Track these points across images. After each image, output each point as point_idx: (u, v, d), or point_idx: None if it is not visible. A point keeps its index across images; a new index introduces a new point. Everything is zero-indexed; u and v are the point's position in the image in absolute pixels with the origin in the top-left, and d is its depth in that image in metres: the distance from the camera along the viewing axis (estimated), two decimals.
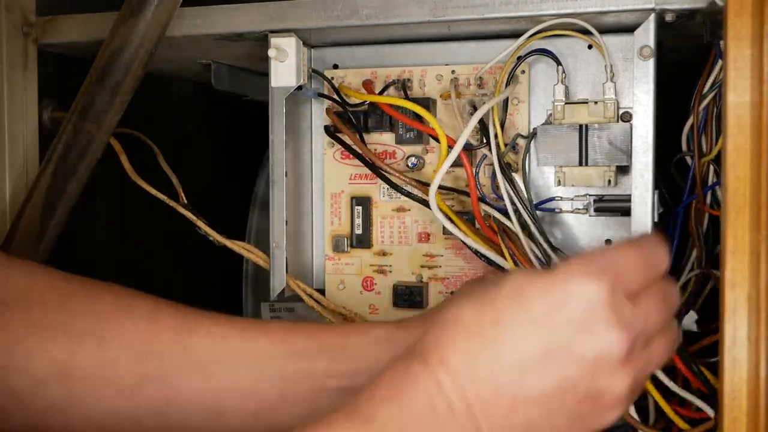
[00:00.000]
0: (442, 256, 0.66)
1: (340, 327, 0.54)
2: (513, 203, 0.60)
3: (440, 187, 0.63)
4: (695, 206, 0.64)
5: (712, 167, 0.63)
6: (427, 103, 0.64)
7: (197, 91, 0.94)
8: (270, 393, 0.51)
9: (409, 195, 0.64)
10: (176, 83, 0.90)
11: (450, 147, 0.59)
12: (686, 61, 0.64)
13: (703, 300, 0.65)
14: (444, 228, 0.65)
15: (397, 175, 0.63)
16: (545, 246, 0.59)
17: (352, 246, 0.68)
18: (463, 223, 0.61)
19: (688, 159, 0.65)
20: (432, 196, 0.58)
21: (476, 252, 0.61)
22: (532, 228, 0.59)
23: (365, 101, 0.65)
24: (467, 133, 0.57)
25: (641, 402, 0.61)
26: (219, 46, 0.68)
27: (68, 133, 0.62)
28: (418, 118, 0.64)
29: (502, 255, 0.60)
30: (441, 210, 0.59)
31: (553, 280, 0.42)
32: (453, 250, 0.66)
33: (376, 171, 0.65)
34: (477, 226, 0.62)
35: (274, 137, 0.64)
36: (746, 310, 0.47)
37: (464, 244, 0.61)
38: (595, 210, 0.61)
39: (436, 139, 0.64)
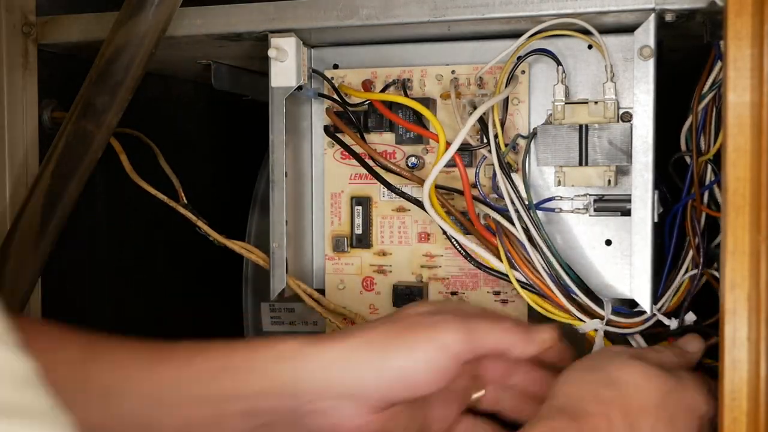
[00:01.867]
0: (442, 256, 0.66)
1: (250, 344, 0.52)
2: (513, 203, 0.60)
3: (440, 188, 0.63)
4: (691, 206, 0.64)
5: (710, 167, 0.63)
6: (427, 103, 0.64)
7: (197, 91, 0.94)
8: (172, 421, 0.49)
9: (402, 195, 0.64)
10: (176, 83, 0.90)
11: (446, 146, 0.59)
12: (686, 61, 0.64)
13: (698, 299, 0.65)
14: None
15: (400, 170, 0.63)
16: (544, 248, 0.59)
17: (352, 246, 0.68)
18: (453, 225, 0.61)
19: (687, 159, 0.65)
20: (426, 192, 0.58)
21: (467, 255, 0.62)
22: (532, 230, 0.60)
23: (365, 101, 0.65)
24: (465, 131, 0.57)
25: None
26: (219, 46, 0.68)
27: (68, 133, 0.62)
28: (418, 119, 0.64)
29: (498, 256, 0.60)
30: (435, 209, 0.60)
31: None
32: (453, 249, 0.66)
33: (374, 173, 0.65)
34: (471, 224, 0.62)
35: (274, 137, 0.64)
36: (746, 311, 0.47)
37: (453, 245, 0.61)
38: (595, 210, 0.61)
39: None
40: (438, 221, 0.60)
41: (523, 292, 0.60)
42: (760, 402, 0.46)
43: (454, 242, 0.62)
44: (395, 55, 0.67)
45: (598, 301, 0.60)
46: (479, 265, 0.62)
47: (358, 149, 0.66)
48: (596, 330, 0.60)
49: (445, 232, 0.62)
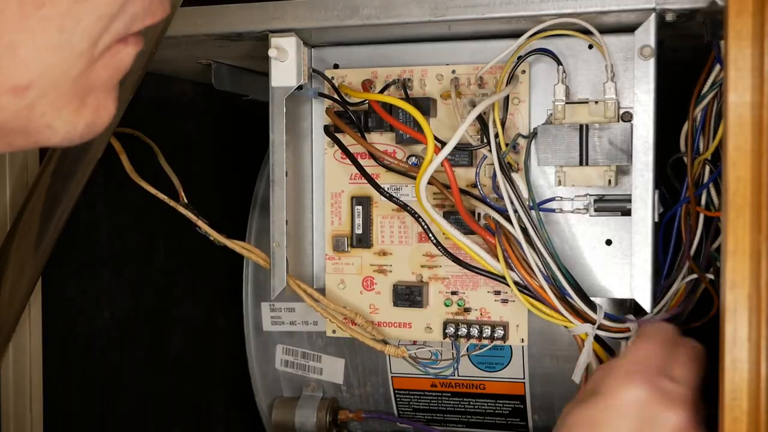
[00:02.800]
0: (442, 255, 0.66)
1: None
2: (512, 203, 0.60)
3: (442, 185, 0.63)
4: (685, 211, 0.63)
5: (708, 168, 0.63)
6: (428, 103, 0.64)
7: (197, 91, 0.94)
8: None
9: (390, 198, 0.64)
10: (176, 83, 0.90)
11: (435, 155, 0.58)
12: (687, 61, 0.64)
13: (696, 305, 0.66)
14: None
15: (399, 163, 0.63)
16: (542, 249, 0.59)
17: (352, 246, 0.68)
18: (444, 229, 0.61)
19: (686, 160, 0.65)
20: (422, 189, 0.58)
21: (454, 258, 0.62)
22: (530, 230, 0.59)
23: (365, 101, 0.65)
24: (464, 128, 0.57)
25: None
26: (219, 45, 0.68)
27: None
28: (415, 119, 0.64)
29: (495, 256, 0.60)
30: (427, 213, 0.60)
31: (606, 398, 0.50)
32: (453, 249, 0.65)
33: (367, 176, 0.65)
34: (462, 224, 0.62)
35: (274, 137, 0.64)
36: (746, 311, 0.47)
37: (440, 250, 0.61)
38: (596, 210, 0.61)
39: (439, 140, 0.64)
40: (437, 218, 0.60)
41: (519, 294, 0.60)
42: (760, 402, 0.46)
43: (441, 248, 0.62)
44: (395, 55, 0.67)
45: (593, 305, 0.60)
46: (468, 267, 0.62)
47: (358, 149, 0.66)
48: (587, 333, 0.60)
49: (433, 238, 0.62)
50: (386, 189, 0.66)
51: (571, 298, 0.59)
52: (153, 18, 0.35)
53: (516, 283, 0.60)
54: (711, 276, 0.64)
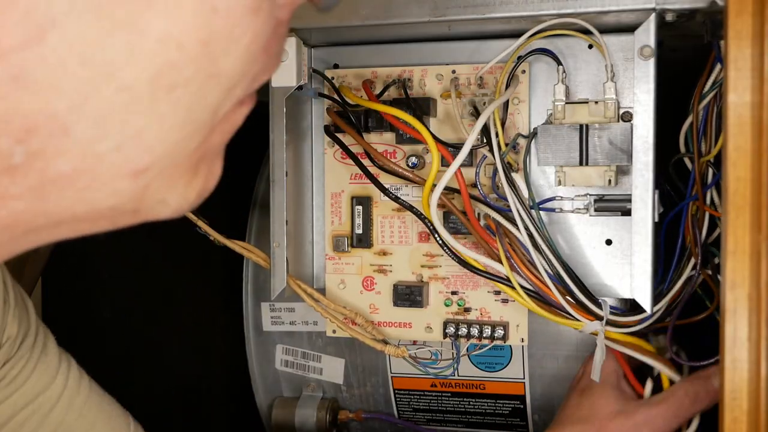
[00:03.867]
0: (442, 255, 0.66)
1: None
2: (515, 204, 0.60)
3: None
4: (691, 210, 0.63)
5: (710, 169, 0.63)
6: (428, 103, 0.64)
7: None
8: None
9: (396, 200, 0.64)
10: None
11: (443, 159, 0.59)
12: (687, 61, 0.64)
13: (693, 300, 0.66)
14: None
15: (402, 170, 0.63)
16: (545, 248, 0.59)
17: (352, 245, 0.68)
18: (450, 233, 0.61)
19: (687, 161, 0.65)
20: (433, 201, 0.58)
21: (460, 261, 0.62)
22: (532, 229, 0.59)
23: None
24: (472, 138, 0.57)
25: None
26: None
27: None
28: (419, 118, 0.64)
29: (496, 258, 0.60)
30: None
31: None
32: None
33: (370, 176, 0.64)
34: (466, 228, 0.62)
35: (274, 137, 0.64)
36: (746, 311, 0.47)
37: (447, 252, 0.61)
38: (596, 210, 0.61)
39: (439, 140, 0.64)
40: (439, 227, 0.60)
41: (527, 298, 0.60)
42: (760, 402, 0.46)
43: (447, 250, 0.62)
44: (396, 55, 0.67)
45: (598, 302, 0.60)
46: (474, 270, 0.62)
47: (359, 149, 0.66)
48: (597, 331, 0.60)
49: (440, 240, 0.62)
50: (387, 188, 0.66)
51: (576, 296, 0.59)
52: (269, 73, 0.32)
53: (522, 287, 0.60)
54: (710, 272, 0.64)
